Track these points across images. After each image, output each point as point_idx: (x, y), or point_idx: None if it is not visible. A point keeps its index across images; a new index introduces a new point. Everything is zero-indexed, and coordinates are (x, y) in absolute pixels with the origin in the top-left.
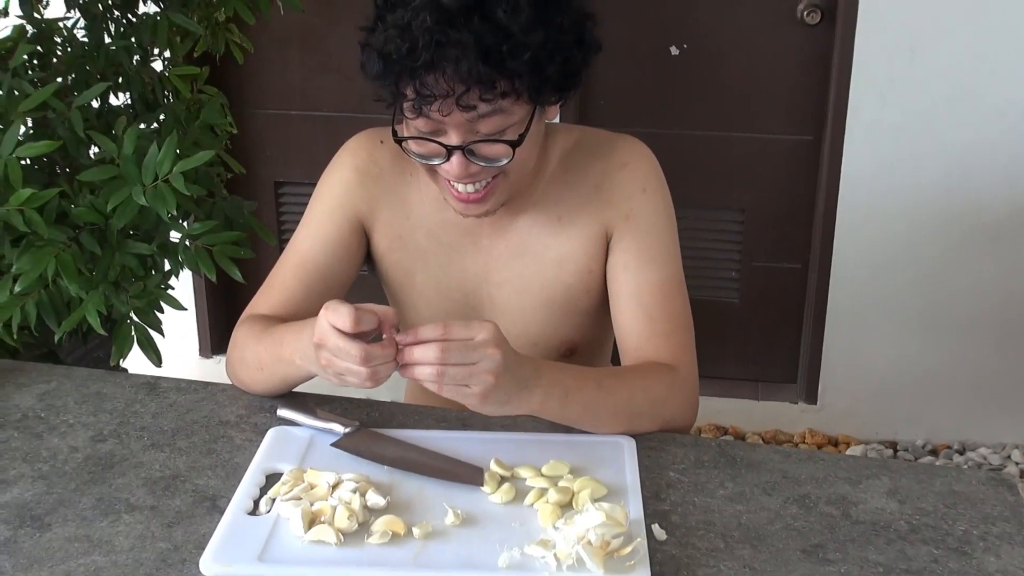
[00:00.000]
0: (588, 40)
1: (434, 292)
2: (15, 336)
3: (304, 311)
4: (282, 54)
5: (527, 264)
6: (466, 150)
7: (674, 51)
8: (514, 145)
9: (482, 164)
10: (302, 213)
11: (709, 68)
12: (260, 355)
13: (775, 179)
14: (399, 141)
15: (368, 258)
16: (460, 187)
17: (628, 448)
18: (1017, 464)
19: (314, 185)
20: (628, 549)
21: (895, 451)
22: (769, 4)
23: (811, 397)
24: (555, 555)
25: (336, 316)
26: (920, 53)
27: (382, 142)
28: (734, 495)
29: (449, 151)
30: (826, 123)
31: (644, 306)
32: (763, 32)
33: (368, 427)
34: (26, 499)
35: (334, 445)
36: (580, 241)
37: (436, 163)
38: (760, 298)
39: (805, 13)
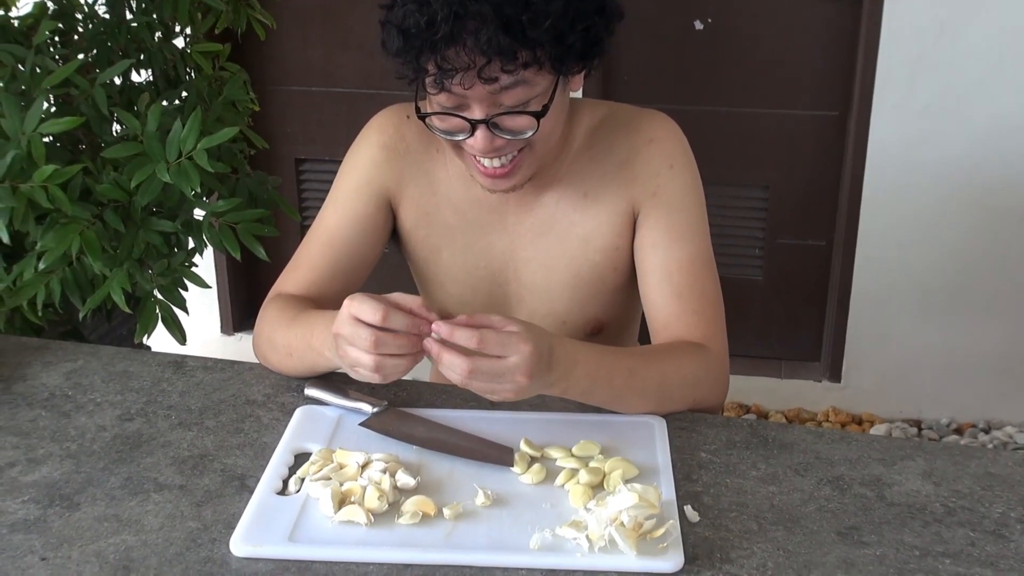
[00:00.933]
0: (610, 7)
1: (460, 269)
2: (40, 313)
3: (331, 289)
4: (303, 31)
5: (554, 241)
6: (490, 123)
7: (698, 26)
8: (539, 116)
9: (507, 137)
10: (324, 190)
11: (734, 43)
12: (290, 341)
13: (800, 156)
14: (423, 117)
15: (394, 234)
16: (486, 162)
17: (659, 428)
18: None
19: (336, 162)
20: (661, 531)
21: (919, 429)
22: None
23: (835, 375)
24: (587, 536)
25: (360, 307)
26: (949, 30)
27: (408, 117)
28: (767, 476)
29: (473, 125)
30: (853, 100)
31: (673, 284)
32: (789, 6)
33: (396, 407)
34: (55, 478)
35: (363, 425)
36: (607, 217)
37: (461, 138)
38: (784, 276)
39: None
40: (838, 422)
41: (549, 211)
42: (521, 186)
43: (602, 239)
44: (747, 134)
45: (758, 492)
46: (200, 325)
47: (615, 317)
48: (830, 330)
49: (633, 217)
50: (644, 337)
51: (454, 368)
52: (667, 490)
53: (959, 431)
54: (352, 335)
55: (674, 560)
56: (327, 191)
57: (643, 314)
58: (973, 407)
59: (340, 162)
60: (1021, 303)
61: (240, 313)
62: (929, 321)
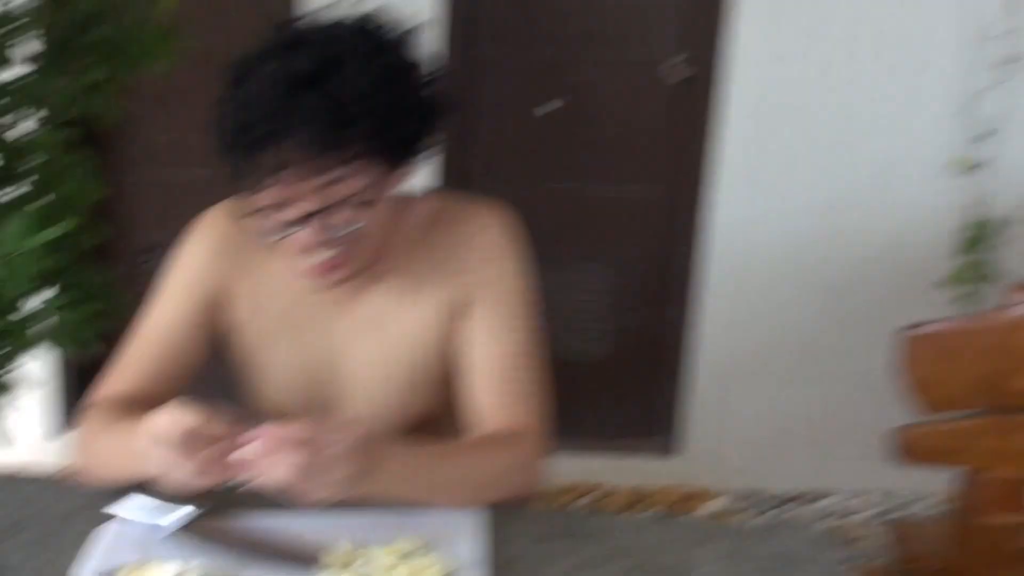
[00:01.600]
0: (435, 102)
1: (287, 365)
2: None
3: (156, 391)
4: (155, 114)
5: (383, 336)
6: (316, 219)
7: (546, 109)
8: (366, 209)
9: (335, 232)
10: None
11: (578, 126)
12: (111, 446)
13: (644, 233)
14: (250, 214)
15: (222, 333)
16: (313, 257)
17: (473, 523)
18: (872, 508)
19: None
20: None
21: (754, 500)
22: (635, 64)
23: (677, 449)
24: None
25: (176, 418)
26: (786, 112)
27: (233, 217)
28: (574, 567)
29: (301, 221)
30: (694, 178)
31: (495, 375)
32: (630, 90)
33: (209, 514)
34: None
35: (174, 534)
36: (435, 312)
37: (287, 234)
38: (624, 353)
39: (672, 72)
40: (677, 497)
41: (378, 306)
42: (351, 280)
43: (430, 333)
44: (592, 213)
45: None
46: (34, 424)
47: (446, 408)
48: (673, 404)
49: (460, 310)
50: None
51: (283, 463)
52: None
53: (793, 500)
54: (167, 444)
55: None
56: None
57: None
58: (810, 475)
59: None
60: (854, 374)
61: (70, 415)
62: (767, 394)
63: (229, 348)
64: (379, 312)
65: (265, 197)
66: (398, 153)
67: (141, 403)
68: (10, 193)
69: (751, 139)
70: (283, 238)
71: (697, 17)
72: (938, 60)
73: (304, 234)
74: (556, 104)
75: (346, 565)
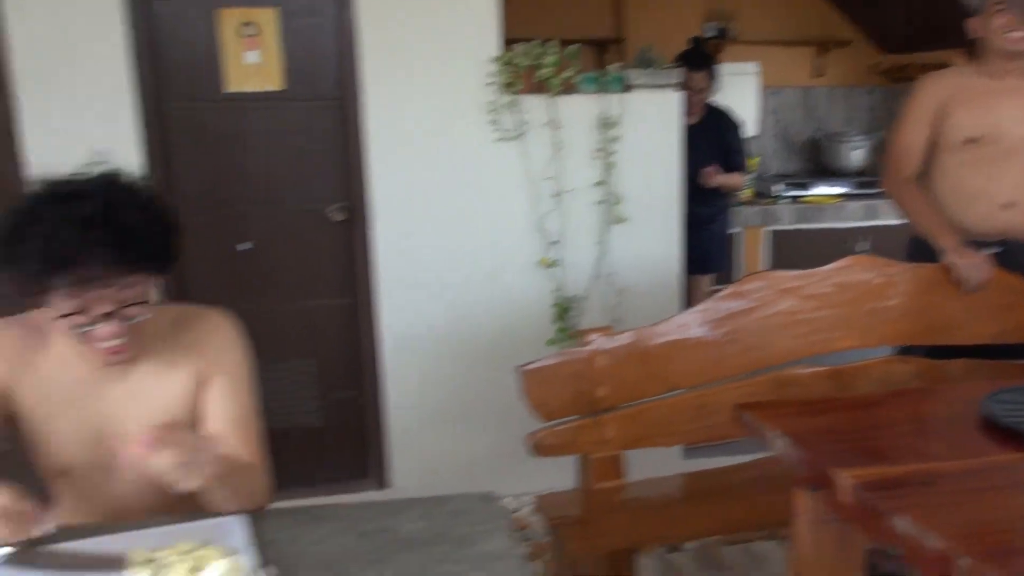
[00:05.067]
0: (178, 225)
1: (69, 434)
2: None
3: None
4: None
5: (145, 402)
6: (113, 316)
7: (241, 247)
8: (144, 306)
9: (125, 323)
10: None
11: (273, 257)
12: None
13: (335, 332)
14: (61, 318)
15: (8, 421)
16: (107, 344)
17: (236, 525)
18: (531, 505)
19: None
20: None
21: None
22: (308, 209)
23: (385, 484)
24: None
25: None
26: (418, 236)
27: (7, 330)
28: (316, 539)
29: (99, 320)
30: (360, 290)
31: (233, 425)
32: (307, 229)
33: (22, 549)
34: None
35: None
36: (184, 384)
37: (89, 330)
38: (336, 419)
39: (333, 213)
40: None
41: (138, 381)
42: (129, 360)
43: (180, 399)
44: (293, 321)
45: (310, 552)
46: None
47: None
48: (375, 451)
49: (203, 383)
50: None
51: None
52: (248, 561)
53: None
54: None
55: None
56: None
57: None
58: (487, 487)
59: None
60: (496, 412)
61: None
62: (449, 434)
63: (17, 427)
64: (140, 385)
65: (67, 306)
66: (162, 262)
67: None
68: None
69: (399, 257)
70: (81, 336)
71: (347, 174)
72: (515, 195)
73: (103, 331)
74: (249, 244)
75: (145, 564)
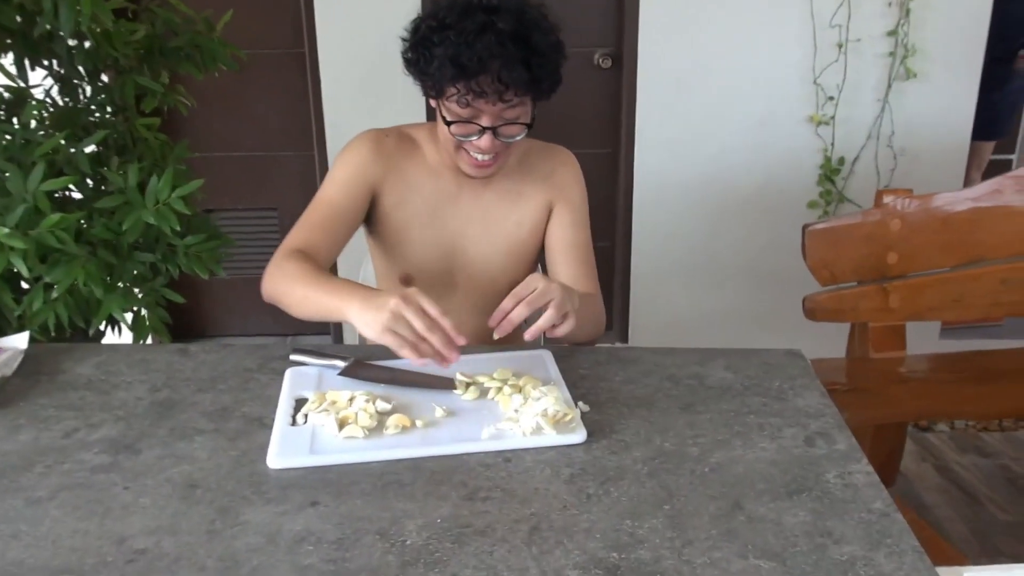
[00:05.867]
0: (564, 62)
1: (423, 242)
2: (52, 335)
3: (324, 245)
4: (209, 108)
5: (493, 222)
6: (495, 131)
7: None
8: (529, 126)
9: (504, 140)
10: (232, 232)
11: None
12: (308, 293)
13: (589, 181)
14: (448, 124)
15: (368, 218)
16: (480, 156)
17: (548, 357)
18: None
19: (240, 210)
20: (570, 416)
21: None
22: (574, 55)
23: (623, 339)
24: (520, 427)
25: (424, 301)
26: (683, 85)
27: (387, 136)
28: (625, 379)
29: (483, 131)
30: (621, 139)
31: (577, 255)
32: (570, 75)
33: (360, 360)
34: (114, 435)
35: (340, 374)
36: (533, 210)
37: (472, 139)
38: None
39: (600, 59)
40: None
41: (492, 202)
42: (491, 176)
43: (529, 223)
44: None
45: (623, 390)
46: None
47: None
48: (618, 306)
49: (549, 210)
50: None
51: (549, 318)
52: (564, 393)
53: None
54: (411, 317)
55: (581, 434)
56: (235, 232)
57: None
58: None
59: (244, 209)
60: (744, 271)
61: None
62: (689, 291)
63: (373, 230)
64: (493, 207)
65: (455, 112)
66: (547, 92)
67: (312, 255)
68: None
69: (661, 109)
70: (458, 144)
71: (616, 20)
72: (791, 45)
73: (483, 141)
74: None
75: (471, 388)
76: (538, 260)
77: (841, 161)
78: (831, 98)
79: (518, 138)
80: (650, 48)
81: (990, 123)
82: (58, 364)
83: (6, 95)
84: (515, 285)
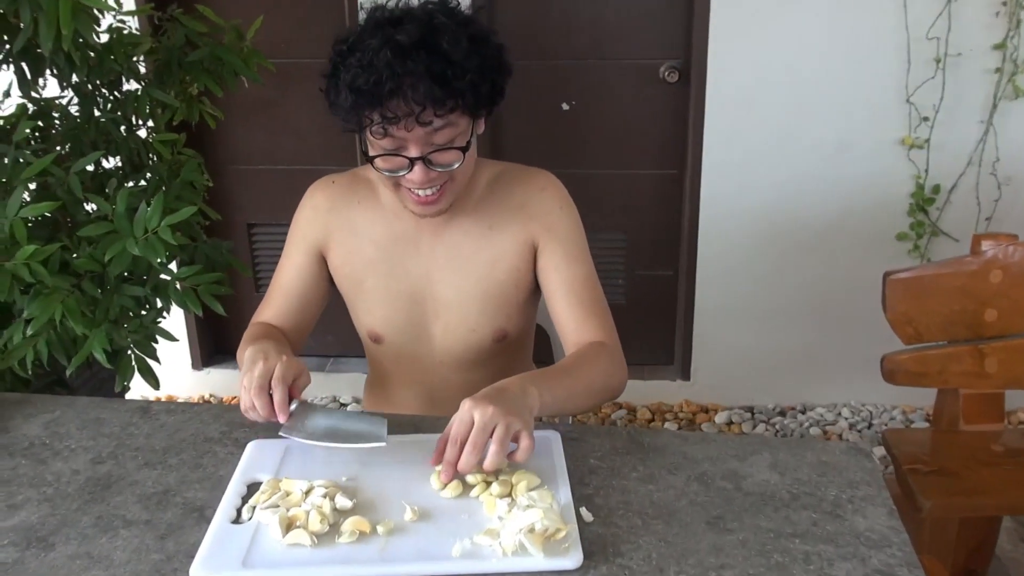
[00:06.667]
0: (505, 64)
1: (383, 293)
2: (30, 371)
3: (291, 320)
4: (248, 119)
5: (463, 264)
6: (425, 160)
7: (565, 107)
8: (463, 150)
9: (438, 170)
10: (274, 247)
11: (594, 119)
12: (240, 355)
13: (650, 205)
14: (370, 160)
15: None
16: (420, 192)
17: (555, 440)
18: (846, 419)
19: (280, 224)
20: (563, 534)
21: (752, 413)
22: (638, 67)
23: (685, 375)
24: (500, 544)
25: (277, 376)
26: (755, 105)
27: (333, 182)
28: (645, 477)
29: (412, 162)
30: (687, 161)
31: (576, 295)
32: (633, 89)
33: (306, 403)
34: (32, 522)
35: (281, 432)
36: (509, 246)
37: (402, 174)
38: (643, 299)
39: (666, 73)
40: (690, 411)
41: (458, 240)
42: (445, 211)
43: (506, 262)
44: (606, 191)
45: (639, 491)
46: (174, 363)
47: (515, 327)
48: (680, 340)
49: (532, 247)
50: (538, 342)
51: (492, 462)
52: (564, 495)
53: (783, 413)
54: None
55: (575, 558)
56: (277, 248)
57: (537, 325)
58: (791, 394)
59: (285, 224)
60: (818, 311)
61: (207, 352)
62: (754, 328)
63: (337, 287)
64: (458, 247)
65: (380, 146)
66: (483, 105)
67: (283, 329)
68: (140, 182)
69: (730, 128)
70: (393, 180)
71: (684, 29)
72: (881, 59)
73: (415, 173)
74: (571, 102)
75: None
76: (534, 302)
77: (936, 190)
78: (925, 119)
79: (456, 165)
80: (721, 60)
81: None
82: (6, 420)
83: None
84: (503, 335)
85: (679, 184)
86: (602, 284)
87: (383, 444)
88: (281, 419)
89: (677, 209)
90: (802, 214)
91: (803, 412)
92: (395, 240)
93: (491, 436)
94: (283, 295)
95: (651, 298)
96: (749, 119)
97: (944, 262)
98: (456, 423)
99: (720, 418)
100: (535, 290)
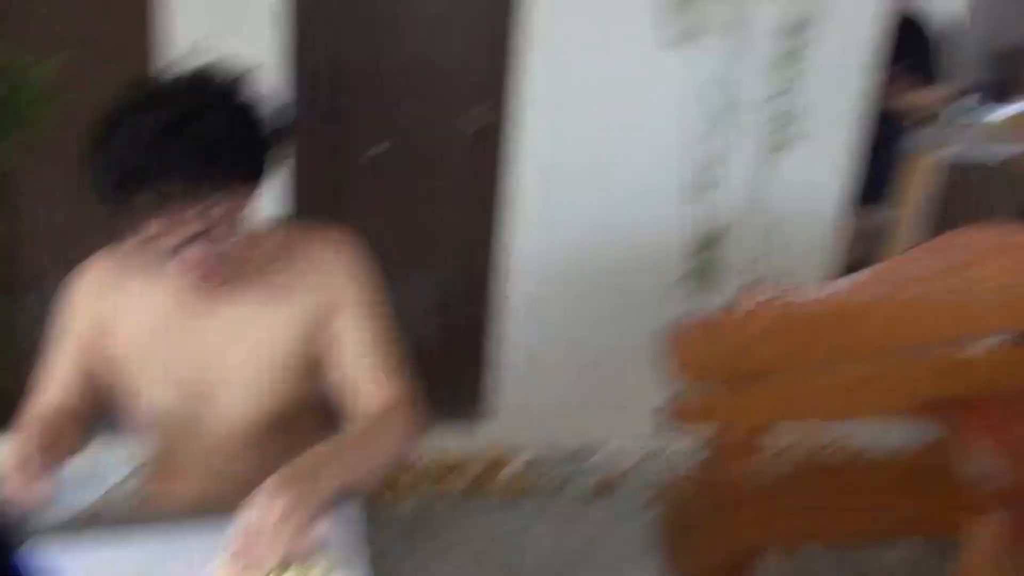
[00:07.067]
0: (277, 131)
1: (160, 374)
2: None
3: (79, 403)
4: (44, 162)
5: (247, 340)
6: (197, 239)
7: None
8: (235, 225)
9: (215, 245)
10: None
11: (403, 163)
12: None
13: (460, 249)
14: (146, 241)
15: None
16: (196, 271)
17: (348, 523)
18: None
19: None
20: None
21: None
22: (446, 110)
23: (489, 415)
24: None
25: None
26: (561, 152)
27: (104, 262)
28: (429, 556)
29: (185, 243)
30: (493, 206)
31: (363, 358)
32: (436, 145)
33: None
34: None
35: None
36: (296, 319)
37: (176, 255)
38: (447, 341)
39: (477, 115)
40: (482, 467)
41: (238, 316)
42: (223, 285)
43: (288, 337)
44: (416, 237)
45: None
46: None
47: (305, 397)
48: (485, 380)
49: (321, 313)
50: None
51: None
52: None
53: (578, 456)
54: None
55: None
56: None
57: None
58: (591, 431)
59: None
60: (618, 353)
61: None
62: (559, 369)
63: (113, 372)
64: (241, 321)
65: (150, 228)
66: (253, 176)
67: (67, 416)
68: None
69: (537, 175)
70: (171, 258)
71: (492, 75)
72: (667, 112)
73: (190, 252)
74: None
75: None
76: (328, 368)
77: (715, 233)
78: (706, 167)
79: (234, 240)
80: (528, 110)
81: (872, 188)
82: None
83: None
84: (293, 406)
85: (485, 228)
86: (403, 326)
87: None
88: None
89: (484, 252)
90: (599, 259)
91: (589, 457)
92: (175, 316)
93: (286, 526)
94: (64, 375)
95: (452, 342)
96: (552, 169)
97: (716, 312)
98: (250, 515)
99: (513, 468)
100: (327, 355)
